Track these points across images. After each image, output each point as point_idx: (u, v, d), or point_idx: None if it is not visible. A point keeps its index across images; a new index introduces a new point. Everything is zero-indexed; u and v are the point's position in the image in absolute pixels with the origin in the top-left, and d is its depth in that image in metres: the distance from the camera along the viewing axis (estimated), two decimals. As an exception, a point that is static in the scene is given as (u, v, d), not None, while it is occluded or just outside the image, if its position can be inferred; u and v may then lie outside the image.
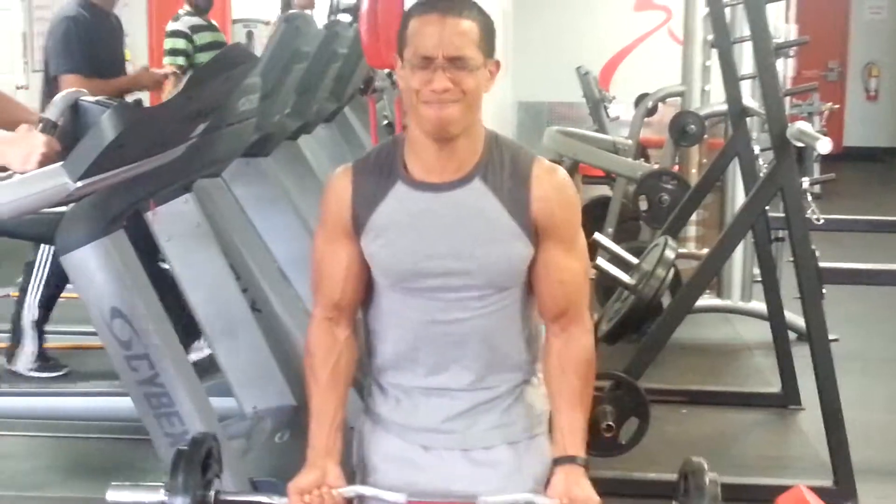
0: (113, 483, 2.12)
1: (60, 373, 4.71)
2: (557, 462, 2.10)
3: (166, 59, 6.28)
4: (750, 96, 5.44)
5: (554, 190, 2.06)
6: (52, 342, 4.83)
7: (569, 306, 2.10)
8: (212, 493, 2.09)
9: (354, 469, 2.24)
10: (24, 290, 4.79)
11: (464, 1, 2.02)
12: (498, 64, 2.05)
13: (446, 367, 2.11)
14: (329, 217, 2.10)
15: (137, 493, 2.11)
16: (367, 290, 2.14)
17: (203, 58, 6.13)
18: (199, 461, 2.08)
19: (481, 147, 2.05)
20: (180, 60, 6.19)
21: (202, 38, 6.36)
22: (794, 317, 4.98)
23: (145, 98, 5.88)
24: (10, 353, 4.71)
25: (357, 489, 2.11)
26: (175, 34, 6.31)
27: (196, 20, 6.35)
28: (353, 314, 2.16)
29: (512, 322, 2.12)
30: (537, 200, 2.04)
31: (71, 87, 4.59)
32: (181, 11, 6.45)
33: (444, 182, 2.04)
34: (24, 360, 4.68)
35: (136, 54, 8.21)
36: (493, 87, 2.06)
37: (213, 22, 6.63)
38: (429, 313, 2.08)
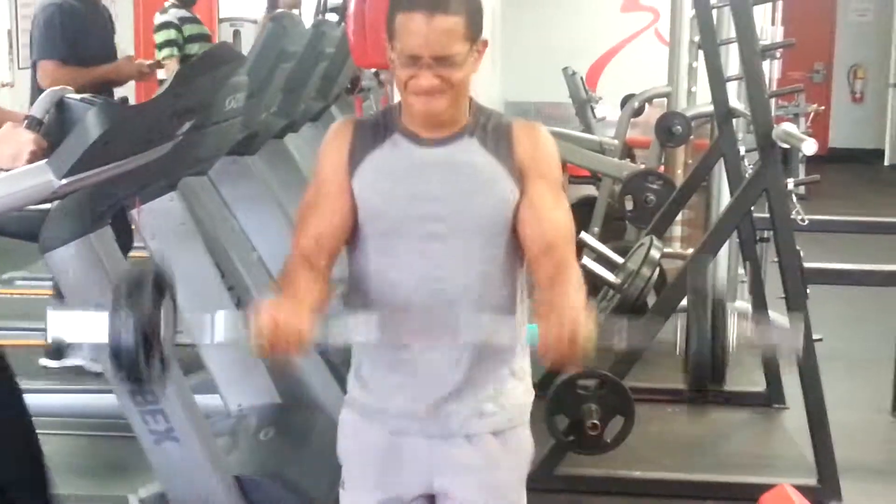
0: (51, 306, 1.99)
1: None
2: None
3: (163, 51, 6.28)
4: (736, 97, 5.45)
5: (534, 139, 2.13)
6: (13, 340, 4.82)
7: (555, 245, 2.07)
8: (159, 316, 1.95)
9: (340, 460, 2.24)
10: None
11: None
12: (485, 42, 2.08)
13: (432, 347, 2.10)
14: (325, 161, 2.13)
15: (79, 328, 2.00)
16: (352, 247, 2.13)
17: (191, 48, 6.16)
18: (145, 287, 1.93)
19: (468, 112, 2.11)
20: (176, 51, 6.21)
21: (190, 30, 6.39)
22: (779, 316, 4.99)
23: (131, 95, 5.87)
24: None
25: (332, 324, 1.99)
26: (166, 25, 6.33)
27: (183, 12, 6.38)
28: (330, 259, 2.10)
29: (497, 290, 2.12)
30: (519, 146, 2.10)
31: (47, 74, 4.61)
32: (167, 4, 6.46)
33: (436, 138, 2.09)
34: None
35: (123, 47, 8.16)
36: (479, 71, 2.09)
37: (197, 15, 6.65)
38: (417, 271, 2.08)
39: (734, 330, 1.96)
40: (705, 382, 1.97)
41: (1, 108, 3.17)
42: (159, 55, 6.30)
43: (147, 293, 1.91)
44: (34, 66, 4.78)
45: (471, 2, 2.04)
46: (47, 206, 2.88)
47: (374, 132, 2.12)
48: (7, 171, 2.60)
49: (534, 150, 2.12)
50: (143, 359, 1.88)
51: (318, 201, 2.11)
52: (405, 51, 1.99)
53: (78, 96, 2.83)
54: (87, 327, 1.97)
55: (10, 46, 8.80)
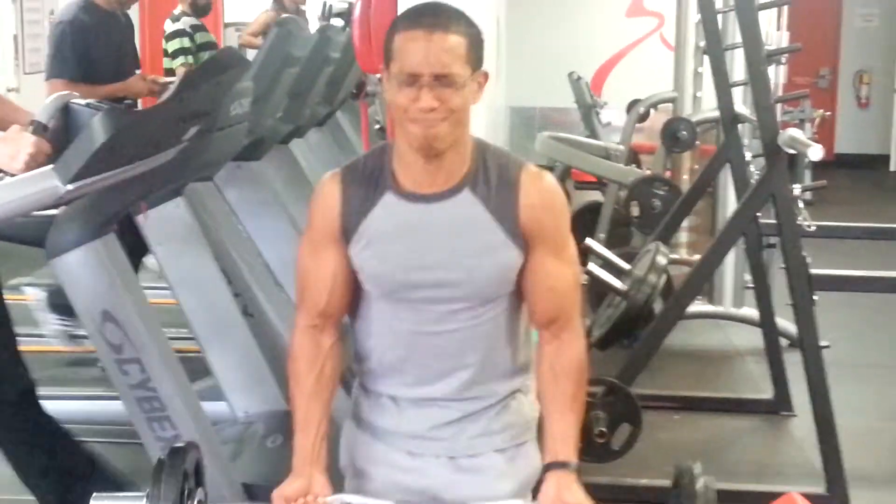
0: (95, 493, 2.10)
1: None
2: (548, 468, 2.09)
3: (177, 60, 6.30)
4: (741, 103, 5.44)
5: (541, 196, 2.05)
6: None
7: (560, 313, 2.09)
8: (195, 502, 2.08)
9: (343, 472, 2.23)
10: None
11: (451, 14, 1.98)
12: (486, 75, 2.03)
13: (435, 377, 2.10)
14: (317, 224, 2.09)
15: (120, 503, 2.12)
16: (354, 299, 2.13)
17: (202, 57, 6.17)
18: (180, 470, 2.05)
19: (469, 158, 2.04)
20: (190, 59, 6.22)
21: (202, 38, 6.41)
22: (786, 323, 4.98)
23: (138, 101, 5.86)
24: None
25: (343, 498, 2.09)
26: (179, 34, 6.35)
27: (193, 20, 6.40)
28: (338, 321, 2.14)
29: (501, 332, 2.11)
30: (525, 207, 2.03)
31: (56, 92, 4.62)
32: (176, 12, 6.47)
33: (433, 193, 2.03)
34: None
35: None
36: (482, 96, 2.04)
37: (204, 23, 6.67)
38: (418, 324, 2.07)
39: None
40: None
41: (13, 104, 3.16)
42: (173, 63, 6.31)
43: (179, 482, 2.03)
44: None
45: (472, 29, 2.00)
46: (53, 211, 2.87)
47: (365, 190, 2.05)
48: (7, 173, 2.60)
49: (541, 214, 2.05)
50: None
51: (316, 271, 2.08)
52: (405, 69, 1.94)
53: (84, 101, 2.83)
54: None
55: (16, 52, 8.80)
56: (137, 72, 5.19)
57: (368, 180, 2.05)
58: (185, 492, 2.05)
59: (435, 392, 2.10)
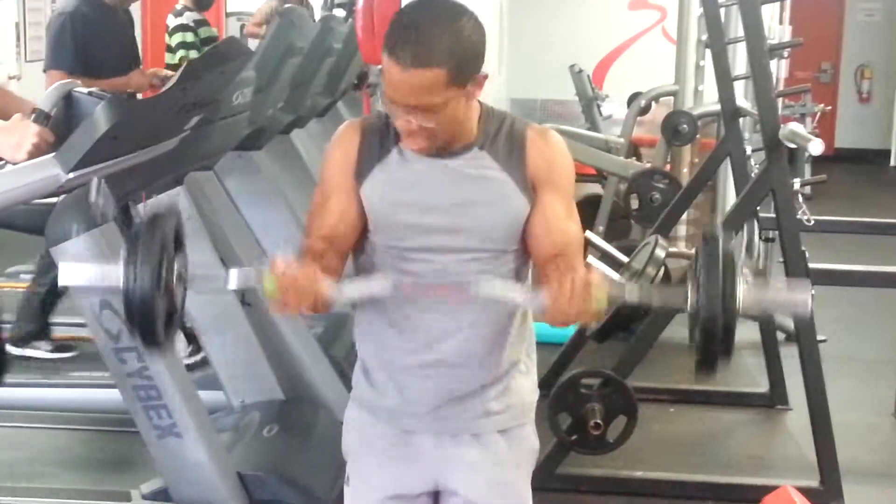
0: (61, 266, 1.96)
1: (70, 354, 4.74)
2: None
3: (178, 53, 6.29)
4: (743, 97, 5.45)
5: (548, 147, 2.09)
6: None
7: (563, 248, 2.07)
8: (175, 268, 1.92)
9: (345, 456, 2.25)
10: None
11: (433, 39, 1.91)
12: (485, 76, 2.01)
13: (437, 342, 2.10)
14: (331, 165, 2.10)
15: (92, 272, 1.97)
16: (359, 262, 2.13)
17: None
18: (160, 233, 1.89)
19: (476, 126, 2.07)
20: (193, 54, 6.21)
21: (205, 33, 6.41)
22: (783, 317, 4.99)
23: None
24: (13, 339, 4.70)
25: (341, 288, 1.98)
26: (182, 28, 6.34)
27: (196, 15, 6.40)
28: (341, 257, 2.08)
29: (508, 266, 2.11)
30: (532, 157, 2.07)
31: (54, 83, 4.61)
32: (179, 7, 6.46)
33: (445, 152, 2.06)
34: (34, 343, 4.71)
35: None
36: (481, 92, 2.05)
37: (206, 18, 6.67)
38: (424, 277, 2.07)
39: (743, 292, 1.88)
40: (714, 349, 1.92)
41: (14, 95, 3.17)
42: (176, 57, 6.30)
43: (164, 238, 1.89)
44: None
45: (457, 50, 1.93)
46: (54, 199, 2.88)
47: (381, 138, 2.08)
48: (10, 162, 2.60)
49: (547, 161, 2.08)
50: (159, 308, 1.86)
51: (326, 204, 2.08)
52: (387, 91, 1.96)
53: (86, 90, 2.84)
54: (99, 274, 1.94)
55: (18, 39, 8.80)
56: (139, 68, 5.19)
57: (386, 130, 2.08)
58: (165, 259, 1.89)
59: (436, 356, 2.10)
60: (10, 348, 4.64)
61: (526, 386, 2.21)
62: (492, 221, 2.06)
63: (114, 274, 1.86)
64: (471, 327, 2.09)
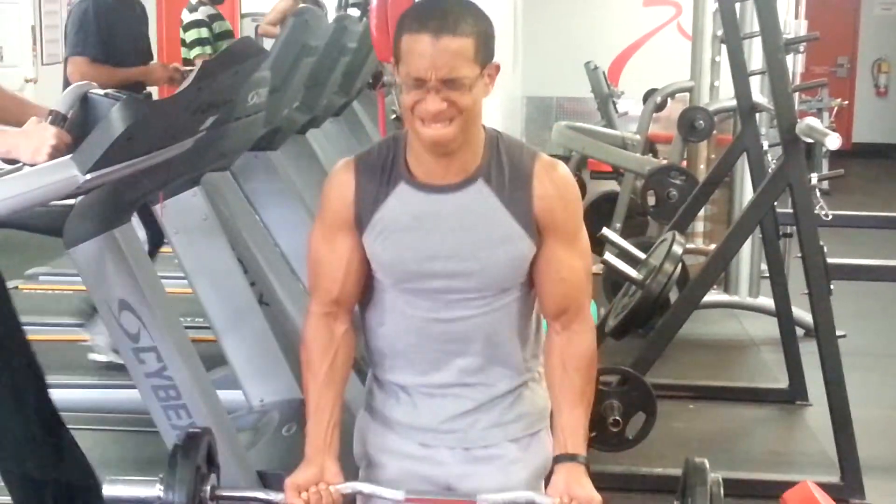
0: (109, 477, 2.13)
1: None
2: (558, 460, 2.10)
3: (195, 50, 6.29)
4: (759, 92, 5.42)
5: (555, 187, 2.05)
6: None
7: (570, 303, 2.09)
8: (207, 487, 2.09)
9: (357, 462, 2.25)
10: None
11: (458, 12, 1.94)
12: (497, 67, 2.01)
13: (447, 365, 2.10)
14: (330, 212, 2.08)
15: (133, 488, 2.12)
16: (366, 287, 2.13)
17: (220, 46, 6.17)
18: (195, 456, 2.07)
19: (482, 150, 2.04)
20: (208, 49, 6.22)
21: (219, 27, 6.41)
22: (802, 313, 4.98)
23: (154, 91, 5.88)
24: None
25: (355, 486, 2.11)
26: (197, 24, 6.35)
27: (211, 9, 6.40)
28: (350, 309, 2.14)
29: (513, 320, 2.12)
30: (539, 199, 2.03)
31: (78, 70, 4.62)
32: (193, 1, 6.47)
33: (446, 184, 2.03)
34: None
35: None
36: (493, 88, 2.04)
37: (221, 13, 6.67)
38: (430, 311, 2.07)
39: None
40: None
41: (27, 101, 3.18)
42: (191, 53, 6.31)
43: (194, 468, 2.08)
44: (65, 62, 4.80)
45: (481, 26, 1.96)
46: (71, 201, 2.89)
47: (379, 180, 2.04)
48: (29, 165, 2.61)
49: (554, 204, 2.04)
50: None
51: (330, 259, 2.08)
52: (411, 73, 1.93)
53: (102, 91, 2.84)
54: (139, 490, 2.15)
55: (35, 43, 8.84)
56: (153, 61, 5.20)
57: (382, 170, 2.05)
58: (199, 477, 2.07)
59: (446, 379, 2.10)
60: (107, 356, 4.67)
61: (539, 393, 2.20)
62: (495, 265, 2.04)
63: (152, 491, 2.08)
64: (482, 349, 2.10)
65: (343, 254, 2.07)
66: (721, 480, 2.11)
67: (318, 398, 2.12)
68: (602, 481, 4.01)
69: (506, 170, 2.03)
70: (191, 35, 6.38)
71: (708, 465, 2.12)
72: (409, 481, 2.14)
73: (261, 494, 2.17)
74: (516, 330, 2.12)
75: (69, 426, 3.85)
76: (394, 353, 2.14)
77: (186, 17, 6.48)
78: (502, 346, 2.11)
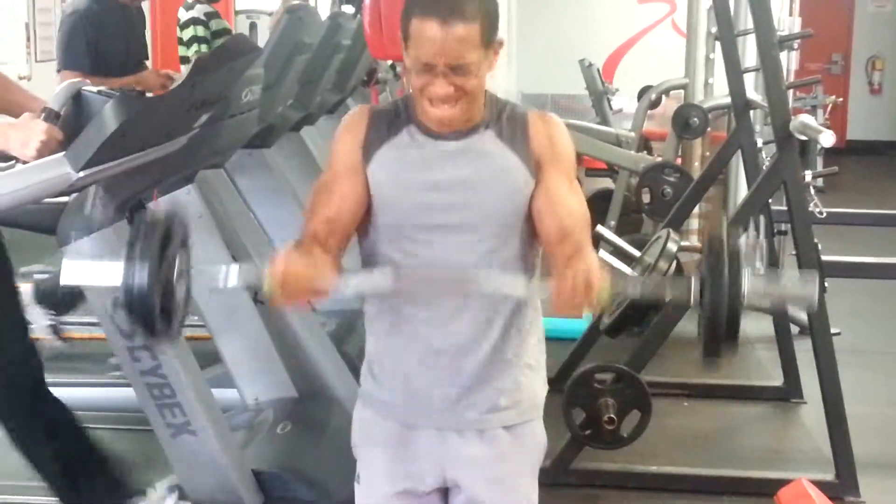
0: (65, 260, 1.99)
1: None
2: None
3: (192, 48, 6.28)
4: (753, 89, 5.43)
5: (548, 127, 2.13)
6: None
7: (571, 231, 2.07)
8: (176, 262, 1.94)
9: (353, 451, 2.24)
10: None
11: None
12: (501, 42, 2.06)
13: (441, 333, 2.09)
14: (340, 147, 2.12)
15: (93, 270, 2.01)
16: (364, 236, 2.13)
17: (217, 44, 6.16)
18: (159, 230, 1.92)
19: (483, 108, 2.10)
20: (206, 47, 6.20)
21: (216, 25, 6.40)
22: (797, 311, 4.98)
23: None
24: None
25: (353, 280, 2.03)
26: (194, 22, 6.33)
27: (207, 7, 6.38)
28: (340, 246, 2.09)
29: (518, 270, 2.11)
30: (535, 136, 2.10)
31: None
32: (190, 0, 6.45)
33: (453, 132, 2.08)
34: None
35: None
36: (496, 67, 2.08)
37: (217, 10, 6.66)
38: (428, 261, 2.07)
39: (748, 284, 1.91)
40: (720, 338, 1.94)
41: (23, 90, 3.15)
42: (188, 52, 6.30)
43: (161, 237, 1.92)
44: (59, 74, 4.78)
45: (487, 7, 2.00)
46: (65, 199, 2.88)
47: (389, 122, 2.11)
48: (20, 159, 2.60)
49: (549, 140, 2.11)
50: (156, 303, 1.89)
51: (331, 185, 2.10)
52: (420, 58, 1.98)
53: (95, 89, 2.84)
54: (101, 273, 1.97)
55: (28, 40, 8.82)
56: (148, 64, 5.18)
57: (393, 115, 2.11)
58: (166, 256, 1.92)
59: (438, 347, 2.10)
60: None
61: (535, 382, 2.20)
62: (495, 196, 2.07)
63: (115, 271, 1.90)
64: (474, 320, 2.09)
65: (345, 182, 2.08)
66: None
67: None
68: (597, 479, 4.05)
69: (504, 118, 2.11)
70: (188, 33, 6.36)
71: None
72: (401, 464, 2.14)
73: (226, 269, 2.00)
74: (513, 303, 2.11)
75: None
76: (387, 323, 2.14)
77: (183, 15, 6.47)
78: (498, 317, 2.10)
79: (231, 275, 1.99)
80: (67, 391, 4.04)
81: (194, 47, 6.25)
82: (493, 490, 2.15)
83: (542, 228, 2.09)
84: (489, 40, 2.00)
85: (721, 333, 1.93)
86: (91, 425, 3.65)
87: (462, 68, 1.97)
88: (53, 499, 3.21)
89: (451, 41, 1.95)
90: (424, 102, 2.02)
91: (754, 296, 1.92)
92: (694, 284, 1.96)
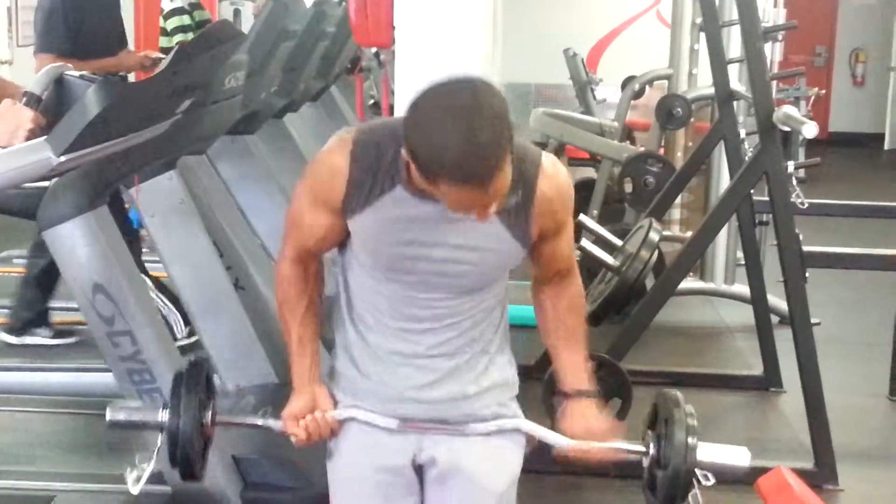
0: (111, 405, 2.17)
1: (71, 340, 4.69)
2: (568, 396, 2.19)
3: (176, 37, 6.25)
4: (737, 80, 5.44)
5: (556, 201, 2.04)
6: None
7: (561, 270, 2.17)
8: (209, 413, 2.15)
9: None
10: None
11: (496, 148, 1.78)
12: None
13: (416, 333, 2.09)
14: (319, 187, 2.04)
15: (137, 413, 2.20)
16: (342, 253, 2.14)
17: None
18: (198, 383, 2.13)
19: None
20: (189, 36, 6.18)
21: (200, 15, 6.38)
22: (777, 300, 5.00)
23: (131, 76, 5.84)
24: (11, 327, 4.65)
25: (350, 412, 2.14)
26: (179, 11, 6.32)
27: None
28: (321, 255, 2.17)
29: (482, 307, 2.12)
30: (539, 216, 2.03)
31: (45, 66, 4.58)
32: None
33: None
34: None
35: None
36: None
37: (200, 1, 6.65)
38: (399, 297, 2.07)
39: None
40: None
41: (1, 78, 3.15)
42: (171, 41, 6.27)
43: (201, 389, 2.14)
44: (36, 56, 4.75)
45: (508, 127, 1.82)
46: (46, 183, 2.87)
47: (374, 178, 1.98)
48: (4, 148, 2.59)
49: (553, 212, 2.04)
50: (199, 449, 2.14)
51: (311, 222, 2.07)
52: (453, 206, 1.86)
53: (77, 73, 2.83)
54: (143, 415, 2.23)
55: (10, 24, 8.77)
56: (130, 48, 5.15)
57: (379, 165, 1.98)
58: (200, 403, 2.14)
59: (413, 347, 2.10)
60: (7, 337, 4.61)
61: (507, 366, 2.20)
62: (482, 269, 2.04)
63: (157, 417, 2.14)
64: (449, 321, 2.09)
65: (323, 223, 2.07)
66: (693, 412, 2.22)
67: (300, 333, 2.16)
68: (577, 466, 4.04)
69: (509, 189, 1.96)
70: (172, 23, 6.34)
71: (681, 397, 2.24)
72: (375, 440, 2.14)
73: (259, 421, 2.24)
74: (486, 304, 2.12)
75: (48, 410, 3.84)
76: (362, 322, 2.13)
77: (167, 5, 6.45)
78: (471, 318, 2.10)
79: (263, 423, 2.25)
80: (48, 376, 4.04)
81: (178, 36, 6.23)
82: (473, 464, 2.14)
83: (538, 272, 2.17)
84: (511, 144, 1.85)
85: (678, 497, 2.18)
86: (72, 411, 3.65)
87: (502, 193, 1.87)
88: (54, 483, 3.22)
89: (493, 195, 1.84)
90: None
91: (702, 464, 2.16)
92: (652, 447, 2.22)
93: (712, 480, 2.17)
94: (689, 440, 2.17)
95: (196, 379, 2.15)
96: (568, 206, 2.10)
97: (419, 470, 2.16)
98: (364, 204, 2.00)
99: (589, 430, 2.19)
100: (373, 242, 2.04)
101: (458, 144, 1.77)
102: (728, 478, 2.18)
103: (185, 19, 6.30)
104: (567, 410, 2.19)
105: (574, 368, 2.22)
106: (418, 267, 2.03)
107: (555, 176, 2.04)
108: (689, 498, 2.18)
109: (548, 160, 2.05)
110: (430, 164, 1.81)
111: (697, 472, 2.15)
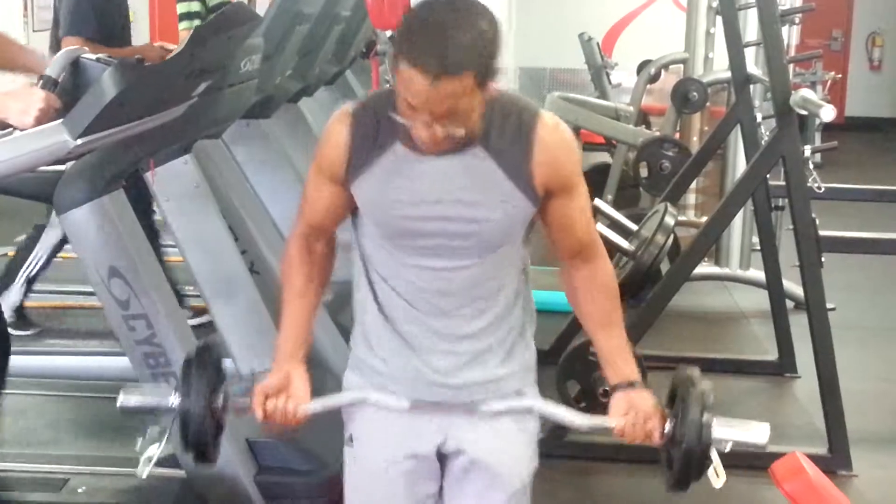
0: (124, 387, 2.14)
1: (31, 332, 4.69)
2: (614, 389, 2.15)
3: (182, 24, 6.24)
4: (753, 64, 5.41)
5: (557, 150, 2.01)
6: (35, 301, 4.82)
7: (581, 244, 2.11)
8: (220, 396, 2.10)
9: (344, 416, 2.23)
10: (28, 248, 4.76)
11: (459, 41, 1.79)
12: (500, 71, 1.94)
13: (438, 315, 2.08)
14: (323, 159, 2.07)
15: (148, 397, 2.16)
16: (354, 224, 2.13)
17: None
18: (208, 366, 2.10)
19: (480, 117, 1.95)
20: (197, 23, 6.16)
21: (213, 0, 6.35)
22: (792, 285, 4.99)
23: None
24: None
25: (324, 402, 2.13)
26: None
27: None
28: (331, 234, 2.17)
29: (498, 281, 2.10)
30: (540, 165, 1.99)
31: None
32: None
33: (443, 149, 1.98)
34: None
35: (138, 27, 8.14)
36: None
37: None
38: (413, 273, 2.06)
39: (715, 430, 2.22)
40: (690, 478, 2.16)
41: (21, 46, 3.10)
42: (181, 27, 6.25)
43: (212, 370, 2.10)
44: (59, 42, 4.75)
45: (485, 51, 1.82)
46: (62, 167, 2.88)
47: (374, 134, 1.99)
48: (18, 127, 2.59)
49: (555, 166, 2.00)
50: (211, 432, 2.09)
51: (315, 199, 2.10)
52: (407, 99, 1.83)
53: (94, 56, 2.82)
54: (155, 399, 2.16)
55: (26, 8, 8.78)
56: (145, 43, 5.15)
57: (377, 128, 2.00)
58: (213, 386, 2.10)
59: (437, 327, 2.09)
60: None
61: (527, 351, 2.19)
62: (489, 226, 2.01)
63: (168, 400, 2.09)
64: (471, 304, 2.08)
65: (327, 196, 2.08)
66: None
67: (291, 307, 2.15)
68: (590, 452, 4.06)
69: (506, 135, 1.98)
70: (181, 8, 6.32)
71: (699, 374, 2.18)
72: (400, 427, 2.12)
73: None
74: (497, 290, 2.10)
75: (60, 393, 3.85)
76: (383, 306, 2.12)
77: None
78: (495, 302, 2.09)
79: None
80: (59, 359, 4.05)
81: (184, 23, 6.20)
82: (495, 452, 2.14)
83: (552, 243, 2.12)
84: (484, 82, 1.85)
85: (692, 475, 2.14)
86: (84, 394, 3.67)
87: (452, 115, 1.85)
88: (68, 466, 3.23)
89: (441, 96, 1.81)
90: (412, 128, 1.89)
91: (718, 441, 2.18)
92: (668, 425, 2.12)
93: (729, 447, 2.18)
94: (705, 416, 2.14)
95: (205, 362, 2.11)
96: (573, 161, 2.05)
97: (441, 458, 2.16)
98: (365, 164, 2.00)
99: (641, 413, 2.14)
100: (376, 206, 2.03)
101: (428, 27, 1.81)
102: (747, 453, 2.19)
103: (194, 6, 6.25)
104: (614, 403, 2.13)
105: (614, 357, 2.16)
106: (427, 228, 2.01)
107: (555, 127, 2.02)
108: (712, 469, 2.14)
109: (548, 113, 2.05)
110: (398, 41, 1.85)
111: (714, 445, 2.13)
